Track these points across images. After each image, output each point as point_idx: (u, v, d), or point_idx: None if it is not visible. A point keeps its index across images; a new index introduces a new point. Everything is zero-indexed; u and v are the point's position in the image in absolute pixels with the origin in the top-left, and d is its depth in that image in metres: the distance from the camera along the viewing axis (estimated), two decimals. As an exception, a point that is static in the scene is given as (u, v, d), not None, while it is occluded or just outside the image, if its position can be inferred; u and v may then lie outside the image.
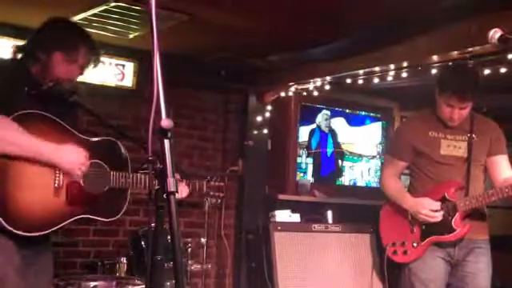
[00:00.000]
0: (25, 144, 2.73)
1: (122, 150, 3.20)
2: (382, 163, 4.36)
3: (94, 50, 3.07)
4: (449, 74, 3.95)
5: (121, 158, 3.18)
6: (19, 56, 3.05)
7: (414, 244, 3.95)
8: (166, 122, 1.83)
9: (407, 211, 3.99)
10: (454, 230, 3.82)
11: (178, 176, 3.25)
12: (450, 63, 4.29)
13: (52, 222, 2.85)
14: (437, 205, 3.85)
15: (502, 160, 3.96)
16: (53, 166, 2.84)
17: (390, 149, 4.36)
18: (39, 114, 2.84)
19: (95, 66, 3.09)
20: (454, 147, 3.91)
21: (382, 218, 4.27)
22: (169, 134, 1.83)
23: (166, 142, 1.83)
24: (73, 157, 2.85)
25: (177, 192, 1.86)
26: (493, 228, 4.14)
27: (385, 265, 4.21)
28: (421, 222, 3.93)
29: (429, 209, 3.85)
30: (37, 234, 2.78)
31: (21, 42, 4.84)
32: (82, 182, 2.94)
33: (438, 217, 3.84)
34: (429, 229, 3.91)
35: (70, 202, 2.89)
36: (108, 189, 3.04)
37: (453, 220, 3.82)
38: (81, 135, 3.03)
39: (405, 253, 4.01)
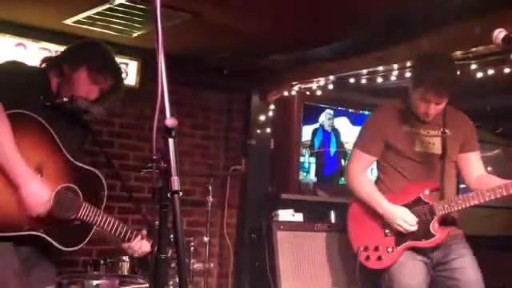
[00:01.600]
0: (2, 150, 2.65)
1: (104, 186, 3.08)
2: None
3: (120, 81, 3.07)
4: (424, 67, 3.60)
5: (98, 193, 3.07)
6: (43, 65, 3.05)
7: (389, 249, 3.66)
8: (170, 121, 1.83)
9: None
10: (433, 236, 3.58)
11: (144, 232, 3.17)
12: (424, 55, 3.84)
13: (11, 227, 2.74)
14: (413, 217, 3.59)
15: (474, 157, 3.76)
16: None
17: (359, 142, 3.90)
18: (37, 119, 2.81)
19: (116, 96, 3.07)
20: (428, 143, 3.68)
21: (350, 217, 3.93)
22: (173, 133, 1.83)
23: (171, 141, 1.83)
24: (35, 195, 2.73)
25: (180, 191, 1.85)
26: (494, 228, 4.09)
27: (357, 270, 3.80)
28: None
29: (404, 220, 3.59)
30: None
31: (24, 40, 4.91)
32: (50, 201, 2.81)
33: (413, 229, 3.59)
34: (405, 233, 3.65)
35: (30, 216, 2.76)
36: (74, 218, 2.91)
37: (431, 224, 3.59)
38: (69, 156, 2.94)
39: (379, 258, 3.70)
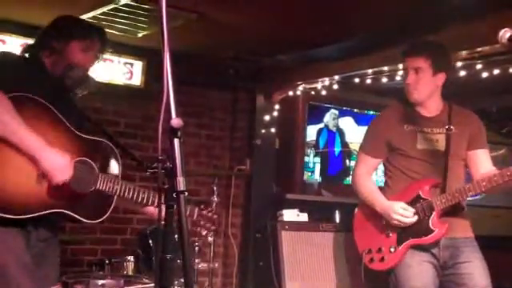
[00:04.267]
0: (11, 128, 2.65)
1: (117, 154, 3.07)
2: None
3: (107, 40, 3.17)
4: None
5: (112, 162, 3.05)
6: (29, 53, 3.08)
7: (392, 249, 3.64)
8: (175, 121, 1.83)
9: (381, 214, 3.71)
10: (432, 231, 3.54)
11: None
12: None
13: (29, 209, 2.72)
14: (410, 209, 3.57)
15: (482, 154, 3.69)
16: None
17: (363, 145, 3.93)
18: (38, 100, 2.81)
19: (105, 53, 3.18)
20: (431, 141, 3.64)
21: (355, 222, 3.96)
22: (179, 133, 1.83)
23: (176, 141, 1.83)
24: (56, 162, 2.73)
25: (186, 192, 1.85)
26: (501, 229, 4.06)
27: (362, 273, 3.80)
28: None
29: (401, 214, 3.57)
30: (11, 216, 2.65)
31: (30, 41, 4.91)
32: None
33: (412, 220, 3.56)
34: (405, 231, 3.61)
35: (50, 194, 2.76)
36: (94, 190, 2.91)
37: (430, 220, 3.54)
38: (75, 131, 2.95)
39: (382, 260, 3.69)
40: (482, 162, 3.68)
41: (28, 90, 2.78)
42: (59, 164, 2.74)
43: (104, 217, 2.97)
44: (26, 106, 2.74)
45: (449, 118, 3.65)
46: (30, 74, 2.91)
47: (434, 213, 3.55)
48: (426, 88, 3.63)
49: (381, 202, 3.71)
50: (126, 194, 2.98)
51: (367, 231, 3.83)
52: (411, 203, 3.61)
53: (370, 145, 3.85)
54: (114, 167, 3.05)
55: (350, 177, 4.07)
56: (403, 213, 3.57)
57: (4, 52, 3.14)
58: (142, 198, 3.04)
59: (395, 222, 3.61)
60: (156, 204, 3.06)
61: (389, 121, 3.78)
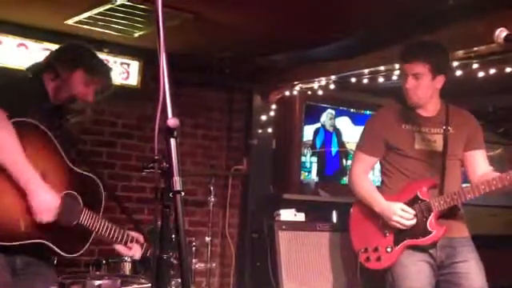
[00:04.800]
0: (12, 158, 2.68)
1: (101, 191, 3.17)
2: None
3: (111, 81, 3.20)
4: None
5: (96, 199, 3.14)
6: (33, 72, 3.10)
7: (388, 249, 3.64)
8: (172, 121, 1.83)
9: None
10: (430, 233, 3.54)
11: (140, 238, 3.30)
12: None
13: (14, 237, 2.74)
14: (410, 211, 3.58)
15: (478, 155, 3.69)
16: None
17: (361, 144, 3.88)
18: (39, 127, 2.84)
19: (106, 93, 3.19)
20: (429, 141, 3.63)
21: (351, 220, 3.94)
22: (175, 133, 1.83)
23: (173, 141, 1.83)
24: (45, 202, 2.75)
25: (182, 192, 1.85)
26: (498, 228, 4.07)
27: (358, 272, 3.82)
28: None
29: (401, 215, 3.56)
30: None
31: (26, 41, 4.92)
32: None
33: (412, 223, 3.57)
34: (402, 232, 3.60)
35: (33, 223, 2.77)
36: (75, 224, 2.97)
37: (428, 221, 3.54)
38: (68, 162, 2.99)
39: (378, 259, 3.68)
40: (479, 163, 3.69)
41: (29, 114, 2.80)
42: (47, 205, 2.76)
43: (81, 251, 3.09)
44: (26, 132, 2.76)
45: (446, 118, 3.65)
46: (32, 98, 2.93)
47: (431, 214, 3.55)
48: (426, 92, 3.61)
49: (379, 203, 3.69)
50: (104, 231, 3.10)
51: (364, 230, 3.82)
52: (409, 204, 3.61)
53: (367, 143, 3.83)
54: (98, 204, 3.15)
55: (347, 176, 4.04)
56: (403, 215, 3.57)
57: (7, 71, 3.15)
58: (116, 238, 3.18)
59: (394, 223, 3.61)
60: (127, 243, 3.24)
61: (386, 120, 3.77)
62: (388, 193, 3.73)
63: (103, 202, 3.17)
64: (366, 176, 3.89)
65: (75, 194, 2.99)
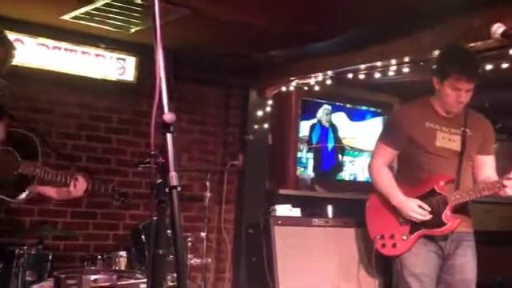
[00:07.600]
0: None
1: (36, 143, 3.77)
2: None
3: (12, 48, 3.51)
4: (452, 55, 3.75)
5: (33, 151, 3.74)
6: None
7: (404, 237, 3.84)
8: (168, 117, 1.83)
9: None
10: (445, 224, 3.73)
11: (79, 177, 3.87)
12: (446, 48, 3.96)
13: None
14: (426, 207, 3.76)
15: (489, 161, 3.90)
16: None
17: (385, 137, 4.04)
18: None
19: (10, 61, 3.52)
20: (448, 140, 3.80)
21: (368, 208, 4.15)
22: (171, 129, 1.83)
23: (169, 137, 1.83)
24: None
25: (178, 187, 1.85)
26: (493, 223, 4.12)
27: (373, 258, 4.13)
28: None
29: (418, 212, 3.76)
30: None
31: (22, 36, 4.90)
32: None
33: (427, 218, 3.75)
34: (419, 222, 3.80)
35: None
36: (16, 174, 3.61)
37: (443, 214, 3.72)
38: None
39: (394, 246, 3.89)
40: (487, 168, 3.88)
41: None
42: None
43: (24, 194, 3.70)
44: None
45: (465, 120, 3.80)
46: None
47: (447, 207, 3.72)
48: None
49: (397, 197, 3.87)
50: (45, 176, 3.69)
51: (381, 218, 4.02)
52: (426, 196, 3.79)
53: (391, 136, 3.97)
54: (35, 155, 3.75)
55: (367, 167, 4.16)
56: (420, 211, 3.76)
57: None
58: (60, 179, 3.75)
59: (411, 218, 3.80)
60: (72, 185, 3.82)
61: (411, 116, 3.89)
62: (403, 181, 3.90)
63: (40, 152, 3.76)
64: (386, 168, 4.03)
65: (11, 149, 3.62)
